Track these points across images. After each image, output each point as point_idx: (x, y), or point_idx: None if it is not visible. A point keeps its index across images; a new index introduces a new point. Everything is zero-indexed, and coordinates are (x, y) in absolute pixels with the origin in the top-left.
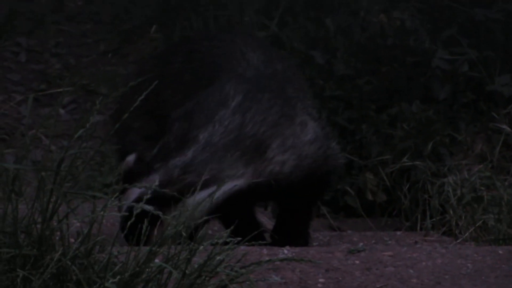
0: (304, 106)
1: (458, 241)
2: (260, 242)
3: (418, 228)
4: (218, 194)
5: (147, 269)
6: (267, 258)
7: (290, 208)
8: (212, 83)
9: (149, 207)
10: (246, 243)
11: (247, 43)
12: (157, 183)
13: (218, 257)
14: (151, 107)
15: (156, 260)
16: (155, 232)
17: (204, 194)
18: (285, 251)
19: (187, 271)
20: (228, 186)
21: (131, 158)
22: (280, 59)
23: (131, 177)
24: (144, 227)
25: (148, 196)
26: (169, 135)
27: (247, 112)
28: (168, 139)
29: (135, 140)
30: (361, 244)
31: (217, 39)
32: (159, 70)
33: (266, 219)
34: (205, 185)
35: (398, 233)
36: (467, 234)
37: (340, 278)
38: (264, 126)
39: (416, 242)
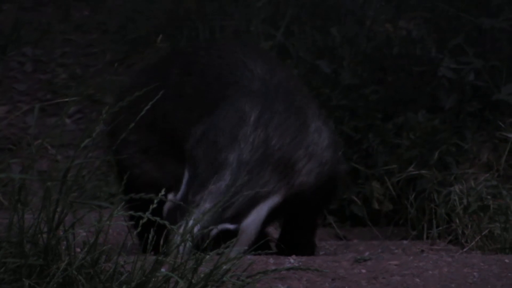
0: (314, 113)
1: (465, 250)
2: (266, 251)
3: (425, 237)
4: (263, 212)
5: (153, 279)
6: (273, 267)
7: (298, 218)
8: (220, 98)
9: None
10: (253, 252)
11: (246, 52)
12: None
13: (224, 267)
14: (148, 120)
15: (163, 270)
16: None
17: (254, 216)
18: (292, 260)
19: (193, 281)
20: (271, 203)
21: (170, 197)
22: (281, 67)
23: (175, 215)
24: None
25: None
26: (195, 163)
27: (268, 125)
28: (195, 168)
29: (132, 153)
30: (367, 253)
31: (215, 49)
32: (155, 82)
33: (271, 228)
34: (252, 205)
35: (405, 242)
36: (473, 243)
37: (346, 287)
38: (288, 138)
39: (422, 251)
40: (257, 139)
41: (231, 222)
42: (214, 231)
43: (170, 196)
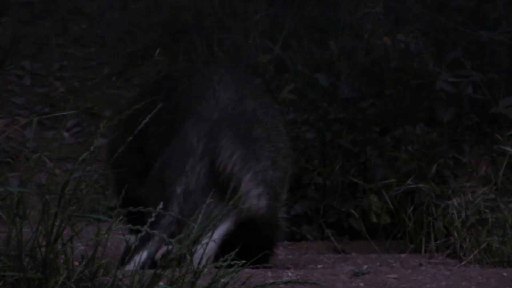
0: (271, 150)
1: (463, 263)
2: (264, 264)
3: (423, 250)
4: (215, 240)
5: None
6: (271, 281)
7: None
8: (176, 131)
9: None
10: (251, 266)
11: (222, 80)
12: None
13: (222, 280)
14: (137, 145)
15: (161, 283)
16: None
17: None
18: (290, 274)
19: None
20: (221, 231)
21: (132, 240)
22: (253, 97)
23: (131, 252)
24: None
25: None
26: (151, 192)
27: (214, 152)
28: (150, 196)
29: (127, 177)
30: (365, 266)
31: (196, 76)
32: (144, 106)
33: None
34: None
35: (403, 255)
36: (471, 256)
37: None
38: (237, 163)
39: (420, 265)
40: (203, 168)
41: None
42: (158, 254)
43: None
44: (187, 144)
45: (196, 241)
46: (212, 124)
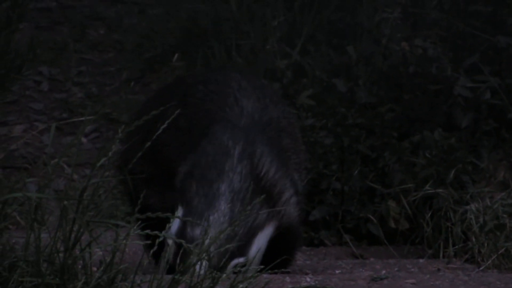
0: (295, 161)
1: (481, 268)
2: (282, 270)
3: (441, 255)
4: (263, 241)
5: None
6: (290, 286)
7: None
8: (204, 135)
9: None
10: (269, 271)
11: (242, 87)
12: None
13: (241, 285)
14: (150, 151)
15: None
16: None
17: (256, 245)
18: (308, 279)
19: None
20: (267, 233)
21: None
22: (275, 105)
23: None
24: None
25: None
26: (188, 197)
27: (253, 157)
28: (189, 202)
29: (139, 184)
30: (383, 271)
31: (212, 82)
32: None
33: None
34: (252, 235)
35: (421, 260)
36: (489, 261)
37: None
38: (273, 168)
39: (438, 270)
40: (244, 169)
41: (237, 254)
42: (229, 267)
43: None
44: (221, 147)
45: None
46: (245, 129)
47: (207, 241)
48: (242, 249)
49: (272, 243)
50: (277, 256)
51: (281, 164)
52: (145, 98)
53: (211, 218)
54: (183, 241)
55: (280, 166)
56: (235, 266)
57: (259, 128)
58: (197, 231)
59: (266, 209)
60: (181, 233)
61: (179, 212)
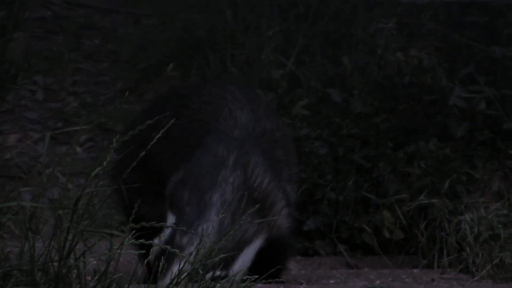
0: (287, 174)
1: (475, 278)
2: (277, 279)
3: (435, 265)
4: (249, 257)
5: None
6: None
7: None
8: (201, 143)
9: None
10: (263, 281)
11: (236, 99)
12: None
13: None
14: (143, 161)
15: None
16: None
17: (241, 261)
18: None
19: None
20: (255, 247)
21: (156, 241)
22: (269, 117)
23: (166, 257)
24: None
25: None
26: (179, 205)
27: (246, 167)
28: (181, 210)
29: (132, 194)
30: (378, 281)
31: (207, 94)
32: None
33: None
34: (239, 249)
35: (415, 270)
36: (484, 271)
37: None
38: (266, 179)
39: (433, 280)
40: (237, 180)
41: (220, 267)
42: (207, 277)
43: (156, 240)
44: (215, 156)
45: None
46: (239, 140)
47: (191, 249)
48: (227, 263)
49: (263, 254)
50: (269, 267)
51: (274, 175)
52: (140, 109)
53: (200, 228)
54: (168, 247)
55: (273, 178)
56: (214, 278)
57: (253, 139)
58: (185, 240)
59: (257, 220)
60: (170, 240)
61: (169, 219)
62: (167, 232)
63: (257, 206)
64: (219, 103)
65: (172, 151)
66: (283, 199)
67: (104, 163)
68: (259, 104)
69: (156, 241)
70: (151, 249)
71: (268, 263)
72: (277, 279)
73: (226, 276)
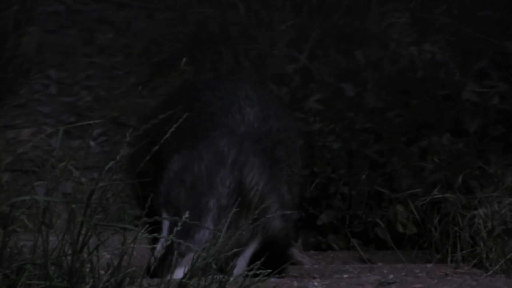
0: (288, 174)
1: (489, 273)
2: (290, 274)
3: (449, 260)
4: (245, 261)
5: None
6: None
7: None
8: (202, 137)
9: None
10: (276, 276)
11: (247, 96)
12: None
13: None
14: (155, 154)
15: None
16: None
17: (238, 267)
18: (315, 283)
19: None
20: (250, 251)
21: (158, 249)
22: (277, 118)
23: (163, 266)
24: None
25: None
26: (175, 208)
27: (244, 166)
28: (176, 213)
29: (145, 185)
30: (391, 276)
31: (220, 89)
32: (165, 115)
33: (296, 251)
34: (235, 255)
35: (429, 265)
36: (497, 266)
37: None
38: (262, 181)
39: (446, 275)
40: (233, 183)
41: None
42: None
43: (159, 247)
44: (217, 152)
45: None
46: (241, 137)
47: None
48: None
49: (259, 255)
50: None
51: (270, 176)
52: (153, 103)
53: (196, 236)
54: (191, 245)
55: (269, 179)
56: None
57: (256, 137)
58: (183, 247)
59: (250, 223)
60: (168, 245)
61: (164, 223)
62: (165, 229)
63: (252, 210)
64: (231, 99)
65: (177, 142)
66: (278, 201)
67: (118, 157)
68: (270, 103)
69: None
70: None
71: (265, 265)
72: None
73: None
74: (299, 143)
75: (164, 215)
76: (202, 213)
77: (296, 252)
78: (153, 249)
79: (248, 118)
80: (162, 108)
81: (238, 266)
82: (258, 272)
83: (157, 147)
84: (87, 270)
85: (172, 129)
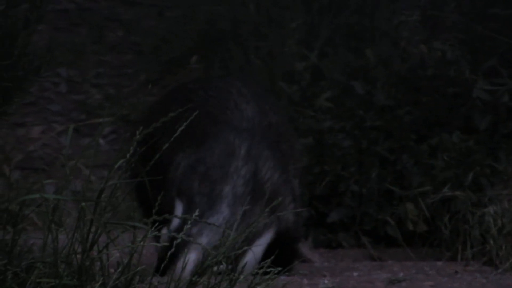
0: (293, 167)
1: (499, 271)
2: (300, 272)
3: (459, 258)
4: (260, 250)
5: None
6: None
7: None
8: (208, 134)
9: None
10: (287, 273)
11: (241, 93)
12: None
13: (258, 287)
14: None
15: None
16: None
17: (251, 255)
18: (325, 281)
19: None
20: (265, 241)
21: (164, 231)
22: (274, 112)
23: (173, 251)
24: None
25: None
26: (189, 195)
27: (258, 160)
28: (190, 199)
29: (142, 188)
30: (401, 274)
31: (212, 88)
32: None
33: (306, 249)
34: (248, 243)
35: (439, 263)
36: (507, 264)
37: None
38: (276, 173)
39: (456, 272)
40: (248, 173)
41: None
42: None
43: (164, 230)
44: (227, 146)
45: (239, 249)
46: (248, 131)
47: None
48: (236, 256)
49: (272, 247)
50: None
51: (282, 169)
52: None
53: (210, 219)
54: (202, 244)
55: (282, 172)
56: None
57: (261, 132)
58: (195, 230)
59: (266, 215)
60: (179, 230)
61: (178, 207)
62: (175, 222)
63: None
64: (225, 97)
65: (178, 143)
66: (290, 194)
67: (127, 155)
68: (264, 98)
69: (164, 231)
70: (160, 239)
71: (277, 255)
72: (300, 271)
73: (233, 270)
74: (309, 140)
75: (178, 204)
76: (217, 199)
77: (306, 250)
78: (162, 247)
79: (247, 114)
80: (157, 109)
81: (252, 254)
82: (268, 270)
83: (166, 145)
84: (97, 268)
85: (182, 127)
